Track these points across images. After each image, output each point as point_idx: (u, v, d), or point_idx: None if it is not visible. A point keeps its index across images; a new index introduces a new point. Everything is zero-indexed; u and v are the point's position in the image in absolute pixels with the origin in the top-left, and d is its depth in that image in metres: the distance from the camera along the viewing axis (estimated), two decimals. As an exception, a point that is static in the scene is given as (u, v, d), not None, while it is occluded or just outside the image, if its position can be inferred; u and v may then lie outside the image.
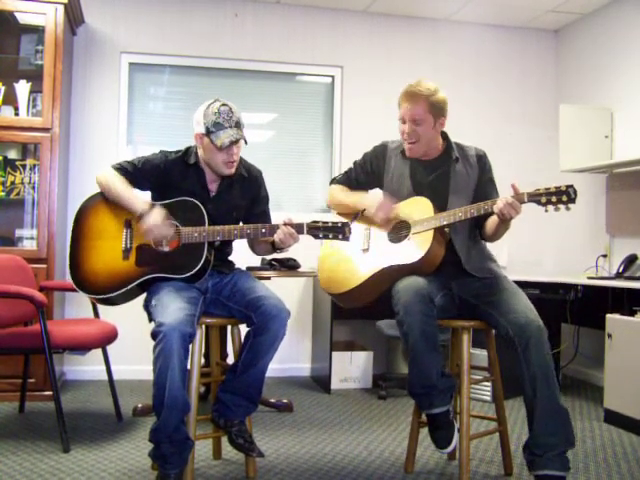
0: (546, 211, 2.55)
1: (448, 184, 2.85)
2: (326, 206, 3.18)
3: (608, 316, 3.88)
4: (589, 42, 5.30)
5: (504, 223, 2.68)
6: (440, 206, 2.79)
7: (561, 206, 2.50)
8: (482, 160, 2.91)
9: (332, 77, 5.40)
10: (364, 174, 3.04)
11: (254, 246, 3.04)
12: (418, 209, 2.81)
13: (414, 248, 2.75)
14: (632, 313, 3.78)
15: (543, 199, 2.52)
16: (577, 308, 4.53)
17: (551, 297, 4.49)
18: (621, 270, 4.45)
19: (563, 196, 2.48)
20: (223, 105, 2.80)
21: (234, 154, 2.81)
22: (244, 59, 5.19)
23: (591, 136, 4.90)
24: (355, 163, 3.08)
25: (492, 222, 2.77)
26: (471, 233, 2.89)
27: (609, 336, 3.84)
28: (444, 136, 2.93)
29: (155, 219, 2.72)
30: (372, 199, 2.90)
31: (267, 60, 5.23)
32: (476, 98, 5.49)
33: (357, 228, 2.95)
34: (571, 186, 2.49)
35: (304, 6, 5.25)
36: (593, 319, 4.35)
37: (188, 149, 2.93)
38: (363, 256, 2.92)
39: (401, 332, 2.68)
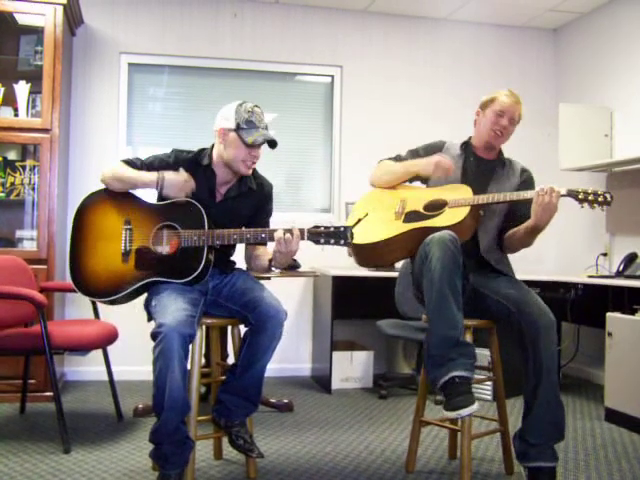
0: (582, 207, 2.69)
1: (490, 181, 2.99)
2: (369, 184, 3.19)
3: (608, 315, 3.88)
4: (588, 41, 5.30)
5: (530, 235, 2.81)
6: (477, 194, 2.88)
7: (596, 205, 2.66)
8: (525, 173, 3.07)
9: (331, 77, 5.40)
10: (415, 158, 3.09)
11: (251, 261, 2.98)
12: (457, 192, 2.89)
13: (447, 216, 2.80)
14: (632, 312, 3.78)
15: (581, 195, 2.66)
16: (577, 307, 4.53)
17: (551, 296, 4.48)
18: (621, 269, 4.44)
19: (600, 197, 2.65)
20: (256, 106, 2.82)
21: (257, 156, 2.82)
22: (243, 59, 5.20)
23: (591, 135, 4.91)
24: (408, 150, 3.16)
25: (522, 227, 2.86)
26: (497, 237, 2.98)
27: (609, 335, 3.84)
28: (499, 150, 3.11)
29: (173, 180, 2.75)
30: (426, 160, 2.96)
31: (266, 60, 5.23)
32: (475, 97, 5.38)
33: (392, 198, 3.03)
34: (608, 192, 2.67)
35: (303, 6, 5.25)
36: (593, 318, 4.35)
37: (202, 150, 2.90)
38: (396, 218, 2.95)
39: (428, 274, 2.62)
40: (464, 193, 2.86)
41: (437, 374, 2.58)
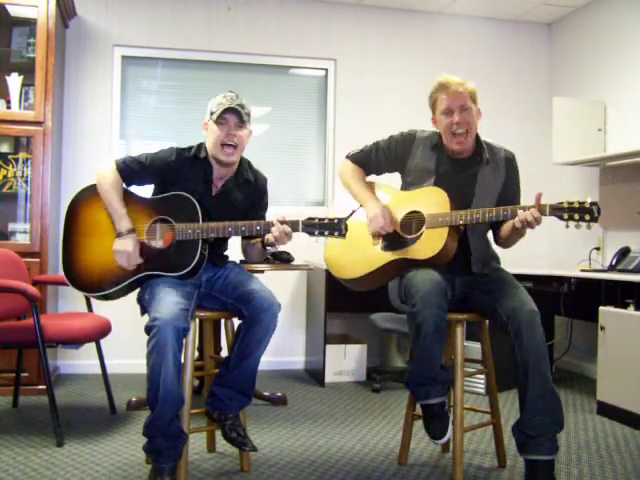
0: (567, 227, 2.49)
1: (474, 187, 2.80)
2: (338, 176, 3.09)
3: (601, 308, 3.90)
4: (582, 35, 5.30)
5: (519, 231, 2.69)
6: (462, 208, 2.71)
7: (582, 224, 2.46)
8: (510, 164, 2.87)
9: (325, 70, 5.39)
10: (385, 158, 2.94)
11: (247, 252, 2.98)
12: (433, 201, 2.74)
13: (427, 243, 2.70)
14: (625, 305, 3.79)
15: (565, 215, 2.47)
16: (570, 301, 4.54)
17: (544, 290, 4.51)
18: (614, 263, 4.46)
19: (586, 215, 2.44)
20: (231, 92, 2.83)
21: (233, 135, 2.77)
22: (237, 52, 5.18)
23: (584, 129, 4.91)
24: (378, 144, 2.96)
25: (507, 228, 2.78)
26: (485, 234, 2.91)
27: (602, 328, 3.86)
28: (475, 136, 2.84)
29: (127, 246, 2.70)
30: (372, 211, 2.83)
31: (260, 53, 5.21)
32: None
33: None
34: (595, 204, 2.45)
35: (297, -1, 5.25)
36: (586, 312, 4.36)
37: (201, 144, 2.88)
38: (374, 244, 2.86)
39: (413, 324, 2.61)
40: (441, 203, 2.71)
41: (417, 394, 2.78)
